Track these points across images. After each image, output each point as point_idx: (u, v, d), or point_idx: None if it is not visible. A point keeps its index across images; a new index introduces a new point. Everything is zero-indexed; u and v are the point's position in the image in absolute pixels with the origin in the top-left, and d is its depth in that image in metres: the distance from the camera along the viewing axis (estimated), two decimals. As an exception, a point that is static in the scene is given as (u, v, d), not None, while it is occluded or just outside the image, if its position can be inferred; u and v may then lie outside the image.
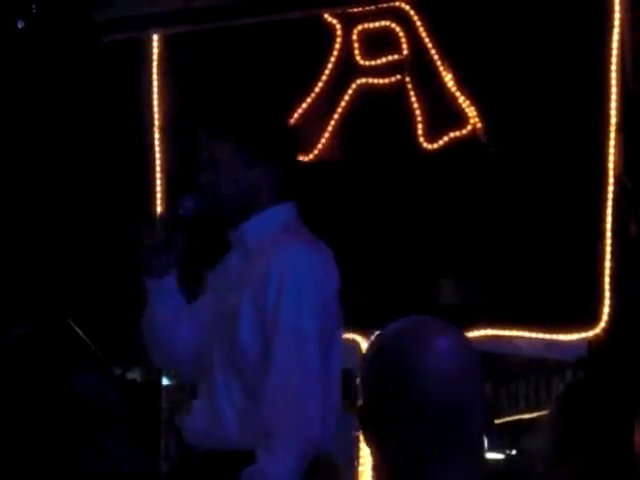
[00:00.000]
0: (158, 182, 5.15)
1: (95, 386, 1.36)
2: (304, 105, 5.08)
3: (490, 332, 4.38)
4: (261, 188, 2.63)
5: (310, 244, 2.61)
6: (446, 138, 4.80)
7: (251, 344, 2.49)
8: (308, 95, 5.06)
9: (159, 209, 4.71)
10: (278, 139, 2.67)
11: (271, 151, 2.65)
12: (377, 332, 1.54)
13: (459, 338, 1.51)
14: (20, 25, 4.93)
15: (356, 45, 5.02)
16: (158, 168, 5.21)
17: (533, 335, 4.43)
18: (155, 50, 5.34)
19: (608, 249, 4.35)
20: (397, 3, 4.87)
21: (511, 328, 4.44)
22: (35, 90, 5.02)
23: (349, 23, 5.02)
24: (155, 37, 5.32)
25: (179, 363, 2.63)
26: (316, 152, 5.07)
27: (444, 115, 4.80)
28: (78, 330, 2.63)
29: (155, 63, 5.32)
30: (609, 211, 4.40)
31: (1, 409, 1.32)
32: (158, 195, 4.99)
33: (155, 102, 5.32)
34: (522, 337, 4.43)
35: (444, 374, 1.42)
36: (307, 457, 2.42)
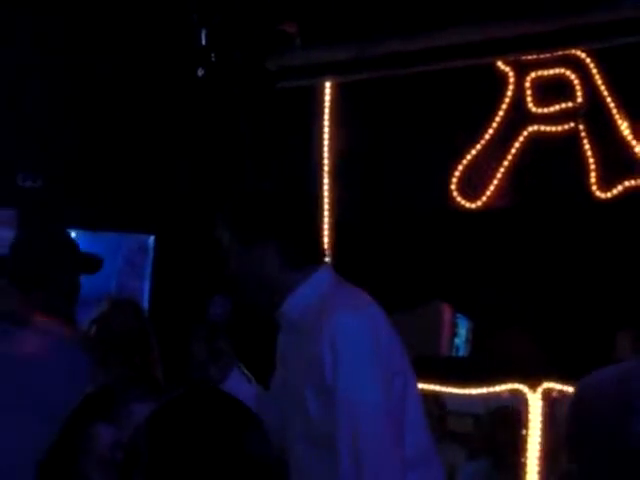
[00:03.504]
0: (326, 227, 5.22)
1: (262, 445, 1.37)
2: (474, 152, 5.06)
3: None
4: (269, 267, 2.44)
5: (353, 306, 2.42)
6: (620, 187, 4.69)
7: (327, 422, 2.40)
8: (478, 142, 5.05)
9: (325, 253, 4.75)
10: (266, 221, 2.44)
11: (262, 232, 2.44)
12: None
13: None
14: (200, 73, 5.12)
15: (529, 92, 4.97)
16: (326, 213, 5.29)
17: None
18: (327, 97, 5.44)
19: None
20: (573, 51, 4.81)
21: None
22: (213, 134, 5.18)
23: (522, 70, 4.99)
24: (327, 84, 5.43)
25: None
26: (484, 199, 5.04)
27: (619, 164, 4.69)
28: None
29: (327, 110, 5.43)
30: None
31: (173, 468, 1.34)
32: (325, 240, 5.05)
33: (325, 148, 5.41)
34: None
35: None
36: None
